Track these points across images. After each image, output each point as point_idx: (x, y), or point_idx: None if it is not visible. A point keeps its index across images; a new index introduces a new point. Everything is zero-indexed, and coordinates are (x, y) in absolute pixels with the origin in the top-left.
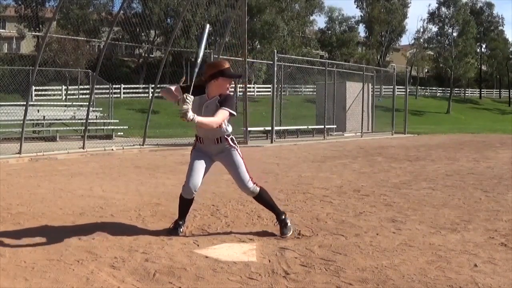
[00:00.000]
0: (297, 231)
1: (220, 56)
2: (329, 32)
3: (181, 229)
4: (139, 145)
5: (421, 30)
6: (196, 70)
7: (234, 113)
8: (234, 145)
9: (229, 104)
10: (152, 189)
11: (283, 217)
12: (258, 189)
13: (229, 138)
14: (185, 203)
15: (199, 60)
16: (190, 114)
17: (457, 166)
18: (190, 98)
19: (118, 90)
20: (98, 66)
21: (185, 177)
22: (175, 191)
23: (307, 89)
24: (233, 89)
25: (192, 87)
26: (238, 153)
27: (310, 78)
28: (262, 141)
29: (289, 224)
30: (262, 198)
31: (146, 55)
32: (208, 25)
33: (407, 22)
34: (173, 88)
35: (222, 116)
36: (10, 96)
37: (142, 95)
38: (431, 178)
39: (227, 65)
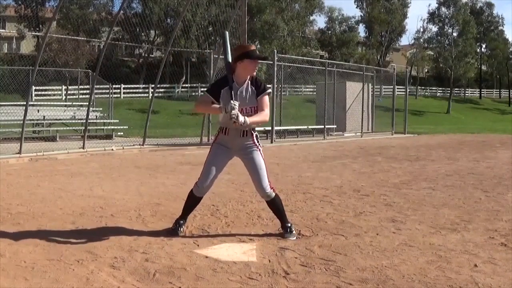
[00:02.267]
0: (297, 231)
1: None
2: (329, 32)
3: (181, 229)
4: (139, 145)
5: (421, 30)
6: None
7: (270, 90)
8: (258, 145)
9: (264, 87)
10: (152, 189)
11: (289, 225)
12: (274, 194)
13: (254, 135)
14: (194, 200)
15: (227, 61)
16: (241, 118)
17: (457, 166)
18: (235, 103)
19: (118, 90)
20: (98, 66)
21: (201, 174)
22: (175, 191)
23: (307, 89)
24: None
25: (213, 88)
26: (261, 154)
27: (310, 78)
28: (262, 141)
29: (294, 231)
30: (275, 204)
31: (146, 55)
32: (226, 32)
33: (407, 22)
34: (218, 106)
35: (267, 103)
36: (10, 96)
37: (142, 95)
38: (431, 178)
39: (252, 47)
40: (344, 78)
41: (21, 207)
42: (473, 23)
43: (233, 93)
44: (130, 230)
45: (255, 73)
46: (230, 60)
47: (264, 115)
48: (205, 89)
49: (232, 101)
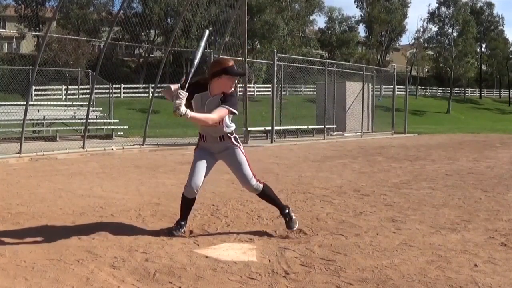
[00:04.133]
0: (297, 230)
1: (220, 56)
2: (329, 32)
3: (183, 230)
4: (139, 145)
5: (421, 30)
6: (193, 70)
7: (235, 111)
8: (237, 144)
9: (230, 103)
10: (152, 189)
11: (287, 211)
12: (261, 186)
13: (232, 137)
14: (187, 203)
15: (196, 61)
16: (183, 109)
17: (457, 166)
18: (183, 93)
19: (118, 90)
20: (98, 66)
21: (188, 176)
22: (175, 191)
23: (307, 89)
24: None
25: (187, 84)
26: (241, 151)
27: (310, 78)
28: (262, 141)
29: (294, 217)
30: (266, 194)
31: (146, 55)
32: (207, 31)
33: (407, 22)
34: (173, 87)
35: (219, 113)
36: (10, 96)
37: (142, 95)
38: (431, 178)
39: (231, 63)
40: (344, 78)
41: (21, 207)
42: (473, 23)
43: (202, 101)
44: (130, 230)
45: (232, 90)
46: (198, 57)
47: (209, 117)
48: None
49: (180, 91)
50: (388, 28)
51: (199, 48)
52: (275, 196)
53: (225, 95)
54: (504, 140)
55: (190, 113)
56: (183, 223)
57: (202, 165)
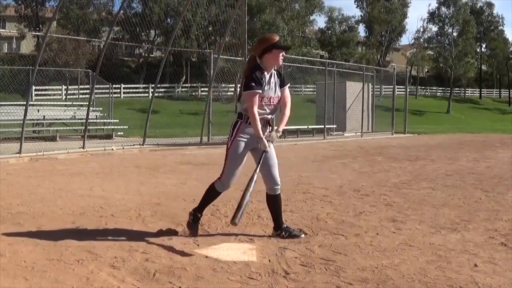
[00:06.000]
0: (297, 230)
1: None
2: (329, 32)
3: (200, 222)
4: (139, 145)
5: (421, 30)
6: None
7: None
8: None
9: (287, 79)
10: (152, 189)
11: (285, 226)
12: (280, 190)
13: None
14: (214, 195)
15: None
16: (274, 135)
17: (457, 166)
18: (267, 133)
19: (118, 90)
20: (98, 66)
21: (224, 170)
22: (175, 191)
23: (307, 89)
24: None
25: (259, 81)
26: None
27: (310, 78)
28: None
29: (292, 232)
30: (277, 202)
31: (146, 55)
32: (255, 175)
33: (407, 22)
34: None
35: (289, 96)
36: (10, 96)
37: (142, 95)
38: (431, 178)
39: (277, 37)
40: (344, 78)
41: (21, 207)
42: (473, 23)
43: (266, 82)
44: (130, 230)
45: (281, 63)
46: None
47: (288, 110)
48: (246, 85)
49: (264, 136)
50: (388, 28)
51: (248, 190)
52: (281, 210)
53: (280, 74)
54: (504, 140)
55: (279, 131)
56: (200, 215)
57: (242, 160)
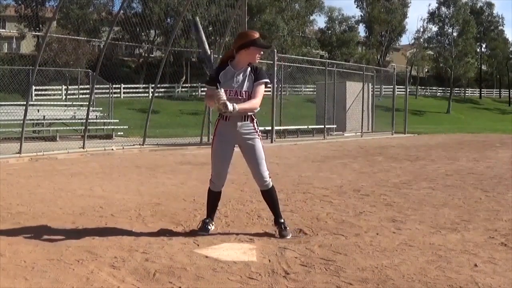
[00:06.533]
0: (297, 230)
1: (221, 56)
2: (329, 32)
3: (210, 226)
4: (139, 145)
5: (421, 30)
6: (211, 63)
7: (268, 80)
8: (258, 132)
9: (262, 76)
10: (152, 189)
11: (282, 220)
12: (271, 184)
13: (255, 120)
14: (214, 197)
15: (207, 54)
16: (230, 106)
17: (457, 166)
18: (221, 92)
19: (118, 90)
20: (98, 66)
21: (211, 168)
22: (175, 191)
23: (307, 89)
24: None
25: (214, 77)
26: (261, 143)
27: (310, 78)
28: (262, 141)
29: (288, 228)
30: (271, 195)
31: (146, 55)
32: (197, 18)
33: (407, 22)
34: (209, 93)
35: (259, 92)
36: (10, 96)
37: (142, 95)
38: (431, 178)
39: (257, 35)
40: (344, 78)
41: (21, 207)
42: (473, 23)
43: (222, 75)
44: (130, 230)
45: (257, 61)
46: (207, 48)
47: (254, 103)
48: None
49: (218, 91)
50: (388, 28)
51: (203, 42)
52: (277, 201)
53: (255, 70)
54: (504, 140)
55: (238, 107)
56: (208, 220)
57: (224, 156)
